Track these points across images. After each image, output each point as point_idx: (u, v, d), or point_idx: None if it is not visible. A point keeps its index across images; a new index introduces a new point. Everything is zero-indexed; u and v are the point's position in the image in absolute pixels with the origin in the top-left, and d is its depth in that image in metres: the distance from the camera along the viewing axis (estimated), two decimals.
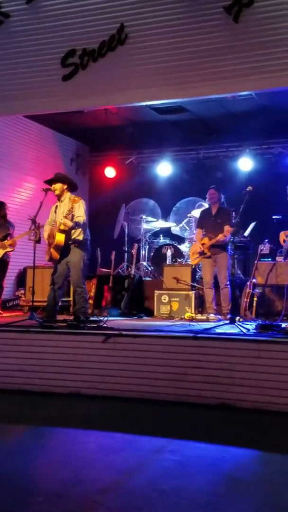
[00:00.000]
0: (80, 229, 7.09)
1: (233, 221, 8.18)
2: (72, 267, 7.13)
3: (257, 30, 6.48)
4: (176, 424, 5.02)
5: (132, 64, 7.10)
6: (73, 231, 7.06)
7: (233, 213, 8.42)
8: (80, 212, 7.08)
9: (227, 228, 8.15)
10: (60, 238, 6.96)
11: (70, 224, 6.93)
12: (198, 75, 6.81)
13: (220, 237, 8.23)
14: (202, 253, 8.50)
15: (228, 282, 8.19)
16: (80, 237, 7.14)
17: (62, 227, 6.92)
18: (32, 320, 7.16)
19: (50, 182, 7.29)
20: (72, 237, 7.07)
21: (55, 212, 7.23)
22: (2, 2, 7.68)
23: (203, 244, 8.51)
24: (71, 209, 6.98)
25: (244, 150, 11.06)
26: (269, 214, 9.22)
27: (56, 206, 7.28)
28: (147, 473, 3.80)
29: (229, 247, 8.30)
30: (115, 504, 3.27)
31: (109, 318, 7.23)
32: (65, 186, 7.26)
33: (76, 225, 7.01)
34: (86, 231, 7.20)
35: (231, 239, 8.13)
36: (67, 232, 7.00)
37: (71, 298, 9.21)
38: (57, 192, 7.22)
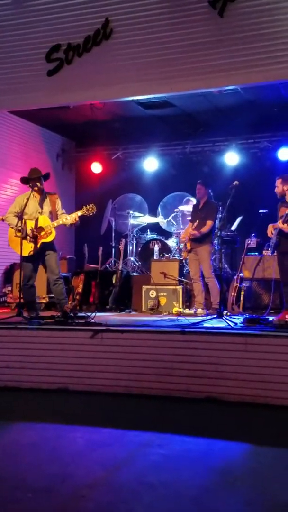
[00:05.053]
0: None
1: (219, 215, 8.24)
2: (55, 261, 7.19)
3: (242, 24, 6.50)
4: (163, 418, 5.03)
5: (118, 59, 7.09)
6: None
7: (220, 207, 8.47)
8: (63, 209, 7.22)
9: (207, 223, 8.29)
10: (53, 233, 7.06)
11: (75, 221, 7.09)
12: (184, 69, 6.82)
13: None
14: (185, 247, 8.65)
15: (212, 273, 8.23)
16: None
17: (71, 223, 7.04)
18: (19, 316, 7.13)
19: (27, 180, 7.26)
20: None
21: (40, 205, 7.20)
22: None
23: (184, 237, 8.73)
24: (54, 207, 7.09)
25: (230, 145, 11.06)
26: (256, 208, 9.26)
27: (38, 200, 7.23)
28: (135, 467, 3.81)
29: (214, 240, 8.34)
30: (104, 499, 3.27)
31: (97, 314, 7.22)
32: (43, 181, 7.32)
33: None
34: None
35: (218, 233, 8.17)
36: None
37: None
38: (42, 187, 7.23)
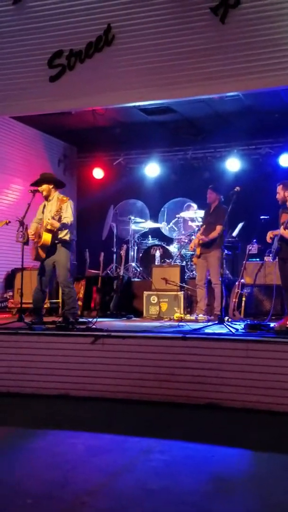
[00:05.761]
0: (66, 230, 7.11)
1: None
2: (59, 267, 7.13)
3: (244, 31, 6.52)
4: (164, 425, 5.02)
5: (119, 65, 7.10)
6: (59, 231, 7.09)
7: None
8: (68, 213, 7.10)
9: (217, 228, 8.24)
10: (46, 237, 6.97)
11: (57, 225, 6.96)
12: (185, 75, 6.83)
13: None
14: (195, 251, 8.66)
15: (220, 279, 8.20)
16: (67, 237, 7.18)
17: (49, 227, 6.94)
18: (20, 322, 7.13)
19: (36, 183, 7.28)
20: (59, 236, 7.09)
21: (43, 211, 7.23)
22: None
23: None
24: (59, 210, 7.00)
25: (231, 151, 11.09)
26: (257, 214, 9.26)
27: (44, 205, 7.27)
28: (135, 474, 3.80)
29: (223, 246, 8.33)
30: (104, 505, 3.26)
31: (98, 319, 7.21)
32: (51, 186, 7.27)
33: (63, 226, 7.03)
34: (73, 232, 7.24)
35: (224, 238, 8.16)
36: (54, 232, 7.02)
37: (60, 300, 9.19)
38: (45, 193, 7.23)
